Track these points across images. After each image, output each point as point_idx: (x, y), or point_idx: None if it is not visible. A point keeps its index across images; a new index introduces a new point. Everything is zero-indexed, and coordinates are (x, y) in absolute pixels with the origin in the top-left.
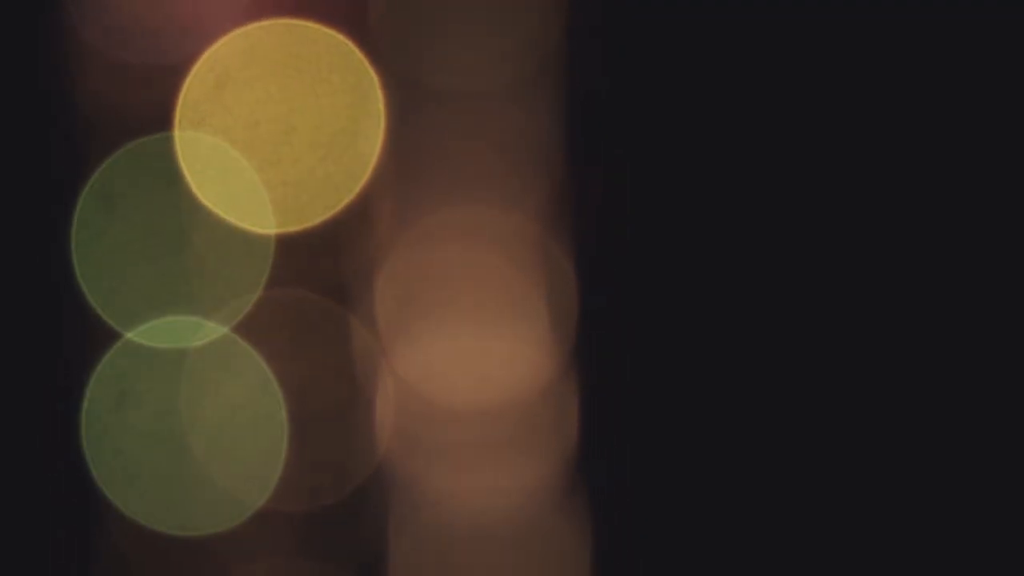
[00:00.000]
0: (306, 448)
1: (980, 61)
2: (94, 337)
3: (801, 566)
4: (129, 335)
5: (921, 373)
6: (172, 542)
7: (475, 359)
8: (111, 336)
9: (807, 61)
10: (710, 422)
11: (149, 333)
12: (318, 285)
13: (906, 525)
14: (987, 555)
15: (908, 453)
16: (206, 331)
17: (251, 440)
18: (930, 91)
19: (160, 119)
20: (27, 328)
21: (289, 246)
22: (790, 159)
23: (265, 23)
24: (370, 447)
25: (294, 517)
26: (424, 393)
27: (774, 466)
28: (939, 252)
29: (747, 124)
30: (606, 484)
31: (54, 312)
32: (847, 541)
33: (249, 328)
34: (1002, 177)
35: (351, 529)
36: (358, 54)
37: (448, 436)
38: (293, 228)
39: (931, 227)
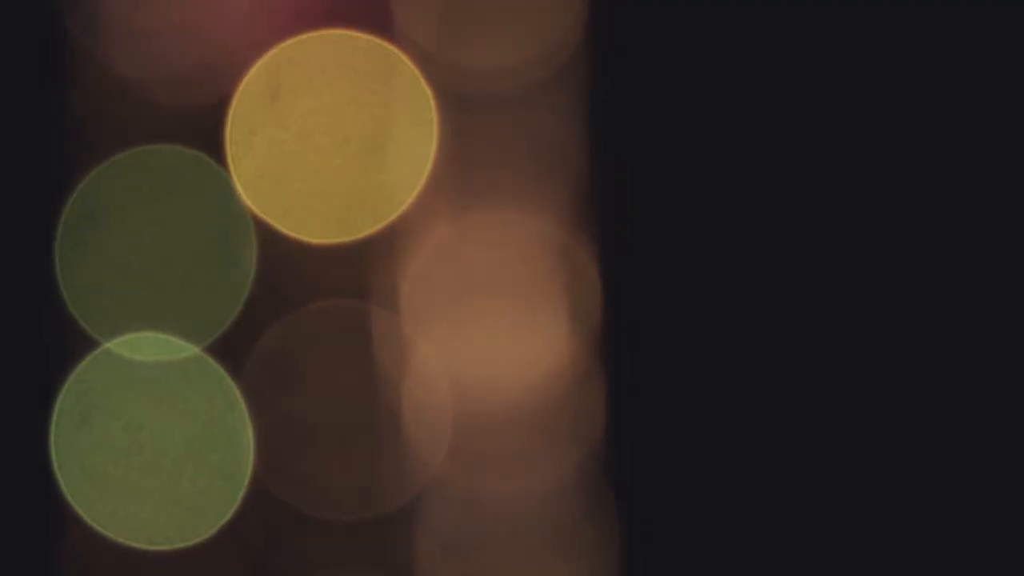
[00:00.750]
0: (346, 457)
1: (980, 61)
2: (72, 347)
3: (824, 562)
4: (106, 345)
5: (922, 373)
6: (143, 556)
7: (503, 362)
8: (89, 346)
9: (828, 63)
10: (736, 420)
11: (127, 345)
12: (360, 294)
13: (911, 525)
14: (987, 555)
15: (916, 453)
16: (181, 347)
17: (217, 456)
18: (930, 91)
19: (150, 131)
20: (5, 335)
21: (335, 256)
22: (812, 158)
23: (315, 33)
24: (413, 456)
25: (335, 525)
26: (455, 396)
27: (800, 468)
28: (939, 252)
29: (771, 126)
30: (633, 483)
31: (34, 320)
32: (879, 537)
33: (292, 336)
34: (1002, 177)
35: (381, 534)
36: (410, 64)
37: (478, 439)
38: (345, 238)
39: (932, 227)
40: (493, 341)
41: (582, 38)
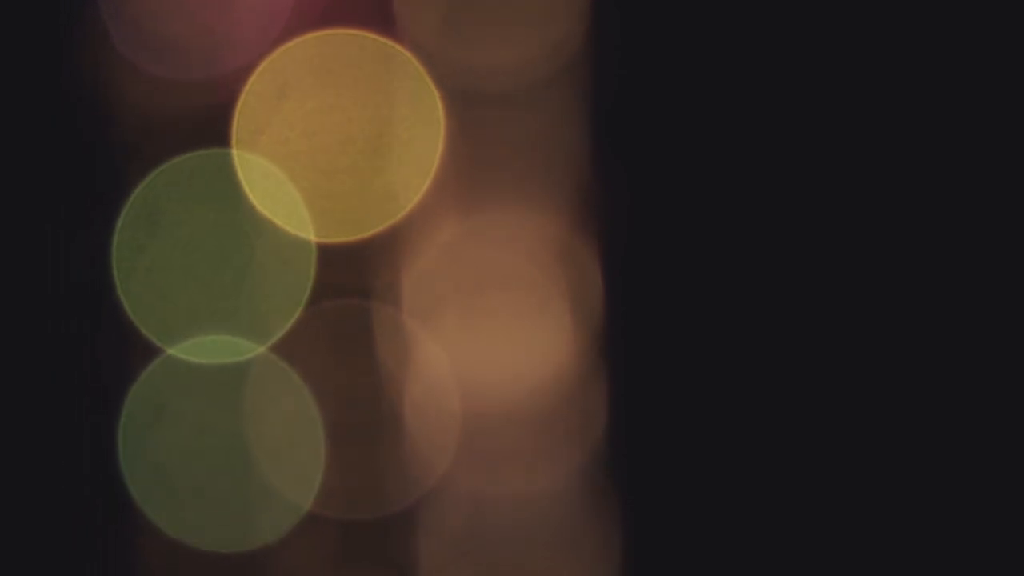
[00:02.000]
0: (353, 457)
1: (980, 61)
2: (133, 352)
3: (825, 566)
4: (170, 351)
5: (922, 373)
6: (213, 554)
7: (507, 361)
8: (150, 351)
9: (830, 64)
10: (739, 420)
11: (190, 349)
12: (366, 293)
13: (911, 525)
14: (987, 555)
15: (918, 453)
16: (246, 348)
17: (288, 457)
18: (931, 91)
19: (203, 134)
20: (67, 343)
21: (341, 255)
22: (815, 159)
23: (320, 34)
24: (420, 456)
25: (342, 525)
26: (458, 395)
27: (803, 467)
28: (939, 252)
29: (772, 126)
30: (636, 484)
31: (94, 327)
32: (872, 544)
33: (293, 336)
34: (1002, 177)
35: (387, 533)
36: (417, 64)
37: (483, 438)
38: (352, 238)
39: (933, 228)
40: (497, 341)
41: (586, 37)
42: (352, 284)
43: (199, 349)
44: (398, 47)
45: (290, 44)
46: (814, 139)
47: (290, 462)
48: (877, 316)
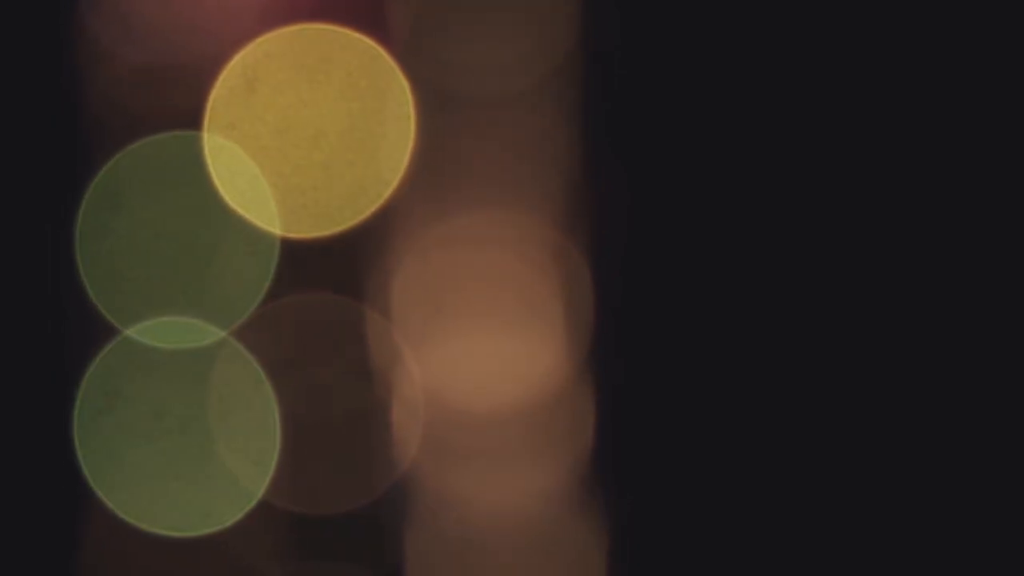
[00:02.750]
0: (327, 452)
1: (980, 61)
2: (94, 334)
3: (815, 568)
4: (127, 332)
5: (922, 373)
6: (168, 543)
7: (493, 363)
8: (111, 334)
9: (823, 62)
10: (727, 426)
11: (148, 332)
12: (341, 288)
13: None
14: (987, 555)
15: (905, 454)
16: (205, 333)
17: (243, 443)
18: (931, 91)
19: (169, 119)
20: (27, 323)
21: (313, 250)
22: (809, 160)
23: (295, 27)
24: (393, 452)
25: (312, 520)
26: (442, 396)
27: (793, 470)
28: (939, 252)
29: (766, 127)
30: (623, 487)
31: (55, 308)
32: (862, 543)
33: (271, 330)
34: (1002, 177)
35: (369, 532)
36: (388, 59)
37: (466, 439)
38: (323, 233)
39: (933, 228)
40: (481, 341)
41: (577, 37)
42: (324, 280)
43: (157, 332)
44: (370, 42)
45: (264, 37)
46: (813, 141)
47: (245, 449)
48: (875, 324)
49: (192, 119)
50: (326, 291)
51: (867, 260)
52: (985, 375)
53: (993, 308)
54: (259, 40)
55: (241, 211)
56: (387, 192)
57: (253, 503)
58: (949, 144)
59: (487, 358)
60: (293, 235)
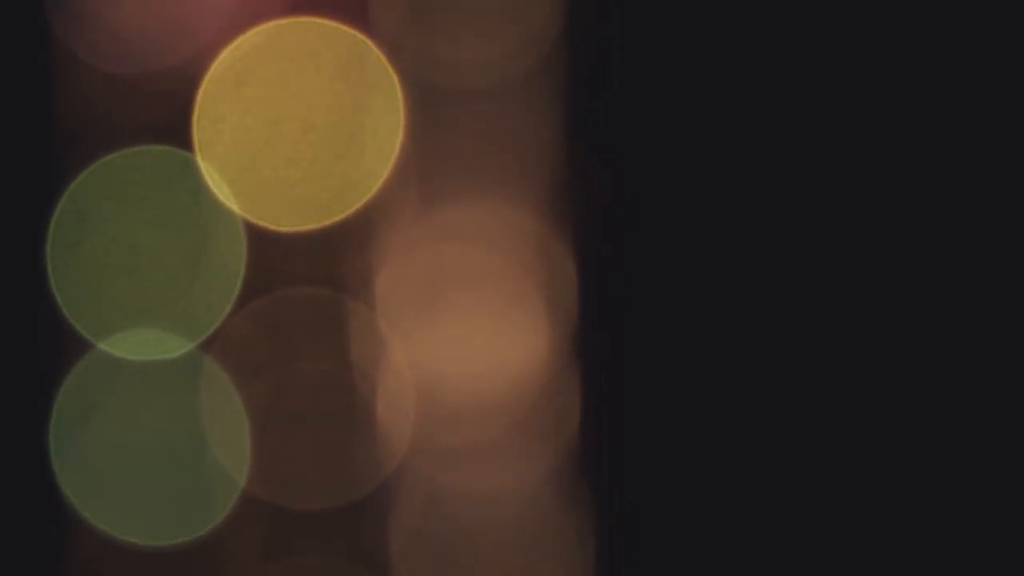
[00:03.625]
0: (316, 447)
1: (980, 61)
2: (67, 348)
3: (802, 565)
4: (101, 345)
5: (922, 373)
6: (144, 552)
7: (478, 357)
8: (84, 347)
9: (811, 59)
10: (712, 419)
11: (120, 344)
12: (328, 282)
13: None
14: (987, 555)
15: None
16: (175, 344)
17: (215, 452)
18: (930, 91)
19: (140, 130)
20: (3, 339)
21: (302, 243)
22: (794, 157)
23: (284, 21)
24: (382, 448)
25: (304, 516)
26: (427, 391)
27: (777, 463)
28: (939, 252)
29: (752, 122)
30: (609, 482)
31: (28, 321)
32: (848, 541)
33: (259, 324)
34: (1002, 177)
35: (357, 528)
36: (377, 52)
37: (452, 434)
38: (312, 226)
39: (932, 227)
40: (467, 335)
41: (562, 31)
42: (313, 273)
43: (128, 345)
44: (359, 35)
45: (251, 31)
46: (801, 137)
47: (217, 459)
48: (862, 310)
49: (168, 128)
50: (314, 285)
51: (853, 246)
52: (985, 375)
53: (993, 308)
54: (248, 34)
55: (230, 204)
56: (376, 186)
57: (226, 512)
58: (943, 144)
59: (474, 352)
60: (282, 228)
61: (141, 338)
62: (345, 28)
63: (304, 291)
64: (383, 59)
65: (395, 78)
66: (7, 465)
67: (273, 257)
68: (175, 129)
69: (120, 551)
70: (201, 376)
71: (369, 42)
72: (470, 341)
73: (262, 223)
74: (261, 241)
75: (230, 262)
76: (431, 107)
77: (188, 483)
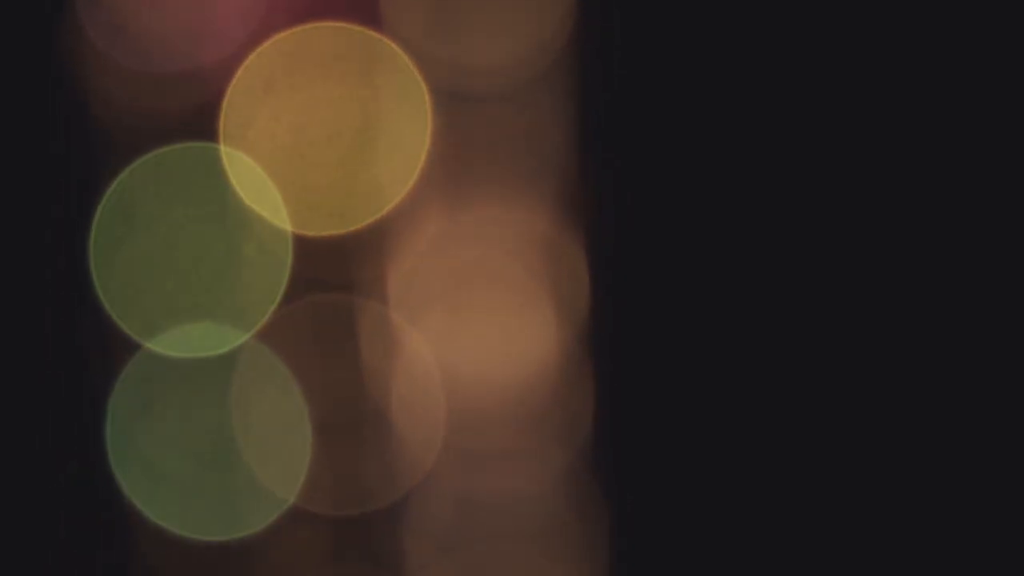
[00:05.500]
0: (340, 453)
1: (980, 61)
2: (114, 347)
3: (813, 564)
4: (148, 344)
5: (922, 373)
6: (202, 547)
7: (496, 359)
8: (131, 346)
9: (816, 60)
10: (725, 420)
11: (168, 342)
12: (351, 288)
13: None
14: (987, 555)
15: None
16: (227, 339)
17: (275, 447)
18: (930, 91)
19: (181, 128)
20: (48, 339)
21: (327, 248)
22: (799, 157)
23: (310, 26)
24: (408, 454)
25: (327, 521)
26: (448, 395)
27: (790, 464)
28: (939, 252)
29: (757, 123)
30: (623, 482)
31: (73, 323)
32: (861, 538)
33: (288, 332)
34: (1002, 177)
35: (374, 530)
36: (404, 57)
37: (467, 437)
38: (338, 231)
39: (931, 227)
40: (483, 338)
41: (572, 35)
42: (337, 279)
43: (178, 341)
44: (385, 40)
45: (277, 37)
46: (804, 136)
47: (276, 453)
48: (875, 316)
49: (202, 126)
50: (337, 290)
51: (859, 252)
52: (985, 375)
53: (993, 308)
54: (275, 39)
55: (258, 211)
56: (404, 190)
57: (285, 507)
58: (943, 144)
59: (491, 355)
60: (309, 234)
61: (189, 334)
62: (371, 33)
63: (328, 296)
64: (409, 64)
65: (422, 84)
66: (66, 468)
67: (298, 262)
68: (206, 130)
69: (180, 546)
70: (255, 368)
71: (395, 47)
72: (486, 343)
73: (289, 228)
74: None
75: (276, 254)
76: (443, 112)
77: (246, 478)
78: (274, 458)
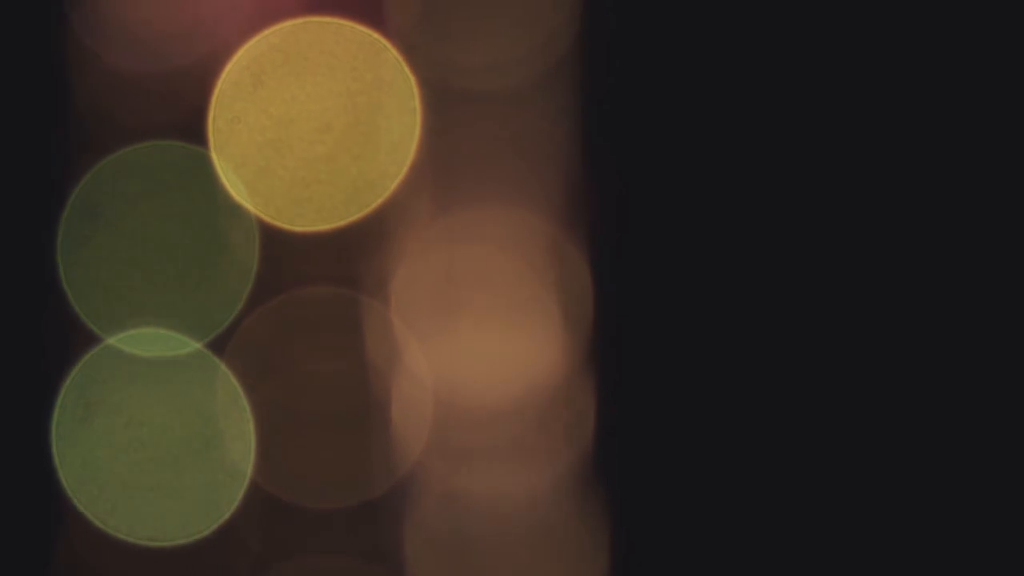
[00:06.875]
0: (331, 447)
1: (980, 61)
2: (75, 342)
3: (814, 564)
4: (108, 341)
5: (922, 373)
6: (145, 552)
7: (492, 358)
8: (93, 342)
9: (818, 61)
10: (727, 423)
11: (129, 340)
12: (342, 283)
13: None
14: (987, 555)
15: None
16: (183, 343)
17: (218, 453)
18: (930, 91)
19: (152, 127)
20: (7, 331)
21: (317, 244)
22: (803, 157)
23: (300, 21)
24: (397, 448)
25: (319, 515)
26: (442, 393)
27: (792, 467)
28: (939, 252)
29: (762, 124)
30: (624, 482)
31: (36, 315)
32: (862, 538)
33: (273, 324)
34: (1002, 177)
35: (371, 527)
36: (394, 52)
37: (466, 436)
38: (327, 226)
39: (931, 227)
40: (482, 337)
41: (574, 35)
42: (328, 273)
43: (137, 341)
44: (374, 35)
45: (267, 31)
46: (808, 137)
47: (221, 459)
48: (877, 316)
49: (180, 125)
50: (328, 285)
51: (862, 253)
52: (985, 375)
53: (993, 308)
54: (264, 34)
55: (246, 204)
56: (392, 186)
57: (228, 514)
58: (943, 144)
59: (487, 354)
60: (297, 228)
61: (149, 335)
62: (361, 28)
63: (319, 291)
64: (399, 59)
65: (412, 79)
66: (8, 460)
67: (288, 257)
68: (191, 128)
69: (124, 550)
70: (208, 375)
71: (385, 42)
72: (484, 342)
73: (277, 223)
74: (276, 241)
75: (243, 259)
76: (444, 110)
77: (191, 482)
78: (219, 465)
